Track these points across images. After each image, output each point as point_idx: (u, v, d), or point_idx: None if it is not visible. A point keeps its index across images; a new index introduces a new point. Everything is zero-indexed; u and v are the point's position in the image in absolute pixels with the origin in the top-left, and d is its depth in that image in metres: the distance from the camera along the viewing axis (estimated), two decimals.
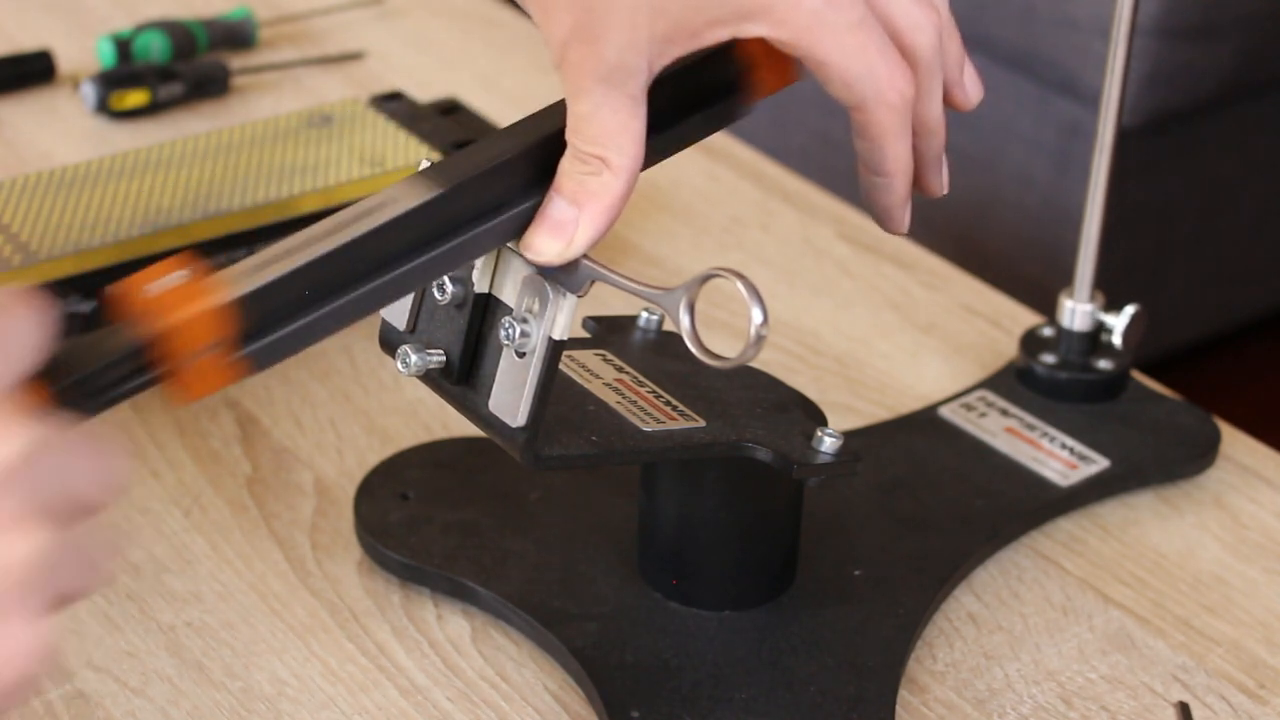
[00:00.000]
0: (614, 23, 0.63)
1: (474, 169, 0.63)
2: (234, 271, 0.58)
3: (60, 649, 0.51)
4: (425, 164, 0.64)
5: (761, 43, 0.65)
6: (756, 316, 0.61)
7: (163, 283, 0.56)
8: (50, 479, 0.50)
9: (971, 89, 0.70)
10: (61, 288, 0.87)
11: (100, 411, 0.55)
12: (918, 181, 0.70)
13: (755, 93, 0.68)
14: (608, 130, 0.63)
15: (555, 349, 0.65)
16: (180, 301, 0.56)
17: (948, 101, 0.69)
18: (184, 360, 0.56)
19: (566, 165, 0.64)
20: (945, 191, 0.70)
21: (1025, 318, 0.99)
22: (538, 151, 0.65)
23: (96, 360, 0.55)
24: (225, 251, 0.91)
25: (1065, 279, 0.90)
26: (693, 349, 0.63)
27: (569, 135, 0.64)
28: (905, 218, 0.69)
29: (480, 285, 0.67)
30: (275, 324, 0.59)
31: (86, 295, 0.88)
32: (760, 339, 0.62)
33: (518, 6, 0.67)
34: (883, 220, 0.69)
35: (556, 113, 0.66)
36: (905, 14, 0.66)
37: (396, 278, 0.62)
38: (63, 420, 0.52)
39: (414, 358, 0.67)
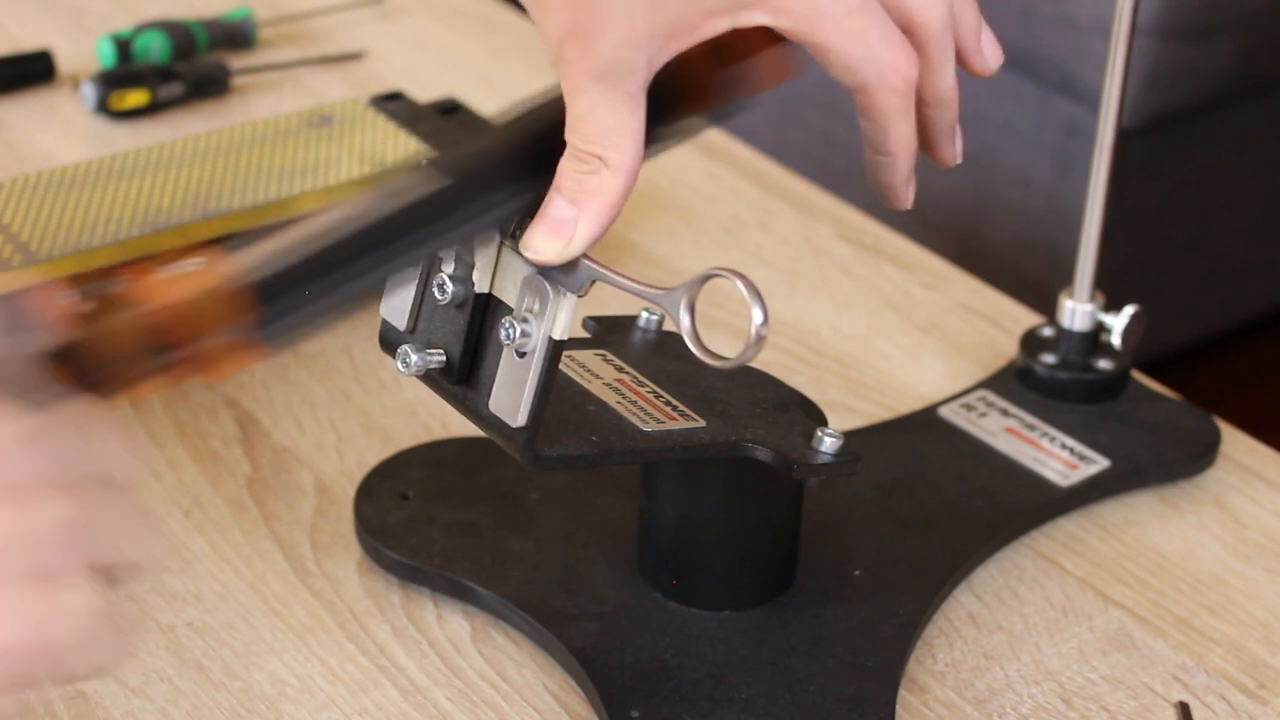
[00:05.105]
0: (611, 19, 0.62)
1: (484, 158, 0.64)
2: (249, 257, 0.59)
3: (131, 620, 0.52)
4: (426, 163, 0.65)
5: (762, 32, 0.65)
6: (757, 316, 0.61)
7: (180, 268, 0.57)
8: (62, 454, 0.50)
9: (990, 54, 0.69)
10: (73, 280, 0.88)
11: (120, 395, 0.56)
12: (931, 152, 0.70)
13: (758, 84, 0.68)
14: (605, 129, 0.63)
15: (555, 349, 0.65)
16: (198, 287, 0.57)
17: (966, 68, 0.68)
18: (202, 344, 0.57)
19: (565, 164, 0.64)
20: (959, 161, 0.70)
21: (1025, 318, 0.99)
22: (550, 138, 0.65)
23: (116, 344, 0.55)
24: None
25: (1065, 279, 0.90)
26: (693, 349, 0.63)
27: (567, 134, 0.64)
28: (909, 194, 0.69)
29: (480, 285, 0.67)
30: (290, 308, 0.60)
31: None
32: (760, 339, 0.62)
33: (517, 4, 0.67)
34: (887, 197, 0.70)
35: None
36: None
37: (406, 261, 0.63)
38: (82, 403, 0.52)
39: (414, 357, 0.67)
